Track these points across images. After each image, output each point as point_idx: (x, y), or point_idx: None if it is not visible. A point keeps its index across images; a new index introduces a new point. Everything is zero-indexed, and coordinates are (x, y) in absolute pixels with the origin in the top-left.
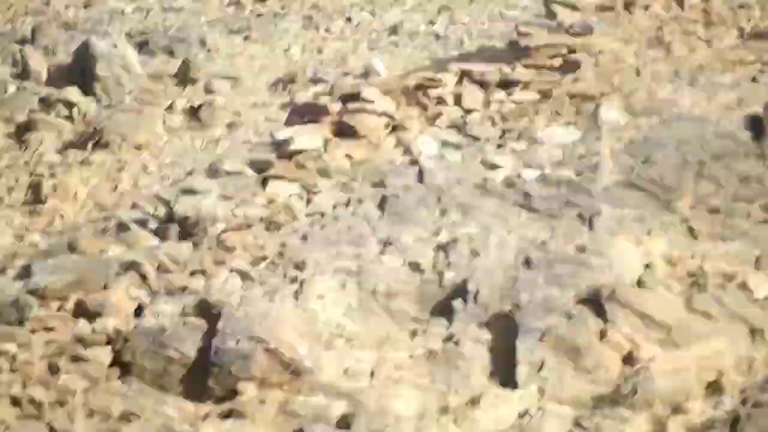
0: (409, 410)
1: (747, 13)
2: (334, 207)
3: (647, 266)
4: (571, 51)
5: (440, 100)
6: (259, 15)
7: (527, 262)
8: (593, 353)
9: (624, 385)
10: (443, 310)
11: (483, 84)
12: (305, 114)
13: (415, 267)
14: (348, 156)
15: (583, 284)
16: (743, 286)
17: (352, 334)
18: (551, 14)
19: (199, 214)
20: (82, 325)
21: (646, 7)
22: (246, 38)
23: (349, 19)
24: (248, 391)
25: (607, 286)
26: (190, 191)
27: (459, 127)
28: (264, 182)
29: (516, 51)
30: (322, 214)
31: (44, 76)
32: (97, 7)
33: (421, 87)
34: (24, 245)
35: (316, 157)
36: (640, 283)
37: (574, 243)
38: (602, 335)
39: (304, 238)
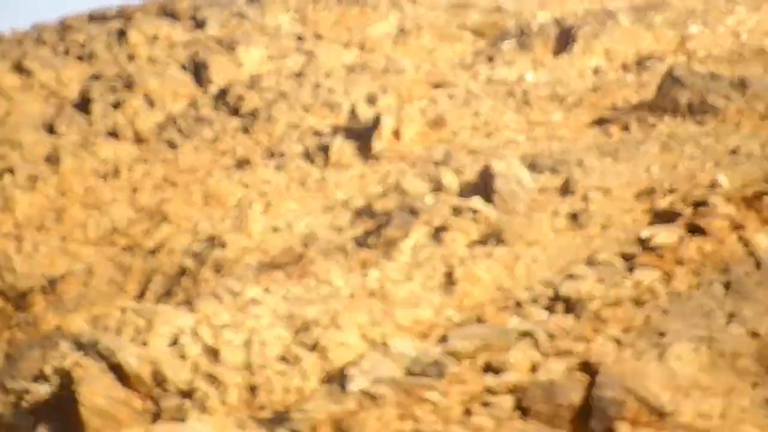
0: None
1: None
2: (689, 288)
3: None
4: None
5: None
6: (624, 141)
7: None
8: None
9: None
10: None
11: None
12: (664, 217)
13: (754, 335)
14: (699, 249)
15: None
16: None
17: (705, 386)
18: None
19: (579, 294)
20: (490, 379)
21: None
22: (614, 159)
23: (697, 144)
24: (623, 429)
25: None
26: (571, 276)
27: None
28: (631, 270)
29: None
30: (679, 294)
31: (456, 190)
32: (496, 137)
33: (757, 195)
34: (441, 318)
35: (673, 250)
36: None
37: None
38: None
39: (665, 312)
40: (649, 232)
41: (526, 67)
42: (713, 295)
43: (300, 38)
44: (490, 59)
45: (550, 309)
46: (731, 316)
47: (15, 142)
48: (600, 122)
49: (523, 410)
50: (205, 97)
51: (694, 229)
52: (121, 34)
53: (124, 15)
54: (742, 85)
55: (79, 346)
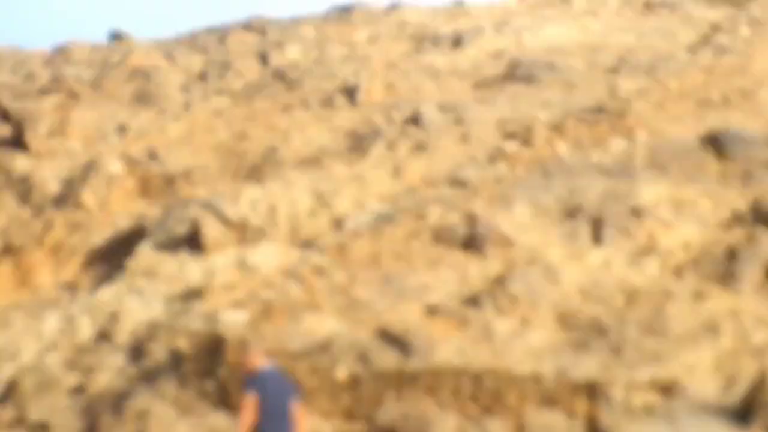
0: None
1: None
2: (525, 175)
3: None
4: None
5: None
6: (490, 96)
7: None
8: None
9: None
10: None
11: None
12: (511, 137)
13: (559, 200)
14: (529, 154)
15: None
16: None
17: (533, 227)
18: None
19: (466, 178)
20: (419, 223)
21: None
22: (485, 105)
23: (528, 97)
24: (490, 250)
25: None
26: (462, 168)
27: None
28: (494, 165)
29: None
30: (519, 178)
31: (401, 122)
32: (421, 94)
33: (560, 124)
34: (393, 192)
35: (516, 154)
36: None
37: None
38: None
39: (512, 187)
40: (503, 145)
41: (437, 56)
42: (537, 178)
43: (317, 41)
44: (418, 52)
45: (451, 186)
46: (546, 189)
47: (171, 97)
48: (477, 86)
49: (436, 239)
50: (266, 72)
51: (527, 143)
52: (222, 39)
53: (224, 30)
54: (552, 66)
55: (203, 206)
